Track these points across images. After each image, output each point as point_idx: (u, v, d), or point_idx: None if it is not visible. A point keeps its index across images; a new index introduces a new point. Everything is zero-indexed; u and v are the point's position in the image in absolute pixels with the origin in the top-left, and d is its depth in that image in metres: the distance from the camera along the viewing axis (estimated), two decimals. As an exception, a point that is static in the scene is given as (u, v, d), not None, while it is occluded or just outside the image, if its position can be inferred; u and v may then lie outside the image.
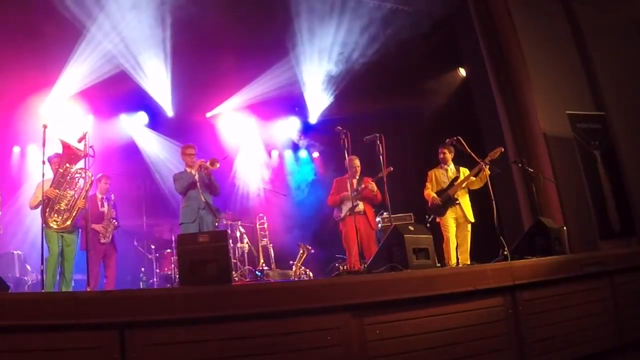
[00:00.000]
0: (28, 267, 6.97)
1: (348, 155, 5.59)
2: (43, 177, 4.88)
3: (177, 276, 5.01)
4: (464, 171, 6.29)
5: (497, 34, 7.79)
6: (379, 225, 7.08)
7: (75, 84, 7.83)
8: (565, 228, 5.65)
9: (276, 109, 9.73)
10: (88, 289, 4.73)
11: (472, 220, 6.17)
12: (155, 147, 8.85)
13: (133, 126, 8.83)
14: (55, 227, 5.16)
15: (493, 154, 5.92)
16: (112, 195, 6.50)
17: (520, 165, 6.37)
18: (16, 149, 8.10)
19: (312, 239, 8.16)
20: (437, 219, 6.30)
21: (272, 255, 7.60)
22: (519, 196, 7.31)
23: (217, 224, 6.07)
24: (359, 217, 6.18)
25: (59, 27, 7.04)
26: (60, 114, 7.88)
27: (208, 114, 9.47)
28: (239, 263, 7.33)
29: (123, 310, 2.84)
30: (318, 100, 9.62)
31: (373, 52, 8.69)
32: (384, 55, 8.66)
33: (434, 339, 3.49)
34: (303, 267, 6.81)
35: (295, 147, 10.42)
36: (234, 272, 6.44)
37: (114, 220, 6.35)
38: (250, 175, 9.43)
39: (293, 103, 9.69)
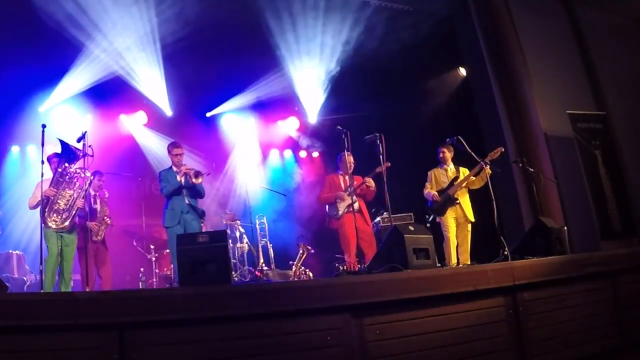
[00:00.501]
0: (27, 267, 6.96)
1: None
2: (42, 176, 4.89)
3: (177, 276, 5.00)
4: (464, 171, 6.28)
5: (498, 33, 7.78)
6: (380, 224, 7.06)
7: (74, 88, 7.88)
8: (565, 228, 5.61)
9: (276, 109, 9.73)
10: (87, 289, 4.72)
11: (473, 220, 6.16)
12: (155, 147, 8.84)
13: (132, 126, 8.82)
14: (54, 227, 5.15)
15: (493, 154, 5.92)
16: (106, 193, 6.45)
17: (520, 165, 6.35)
18: (15, 149, 8.08)
19: (312, 239, 8.15)
20: (437, 219, 6.29)
21: (272, 256, 7.58)
22: (519, 196, 7.30)
23: (202, 224, 6.06)
24: (357, 214, 6.14)
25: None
26: (59, 114, 7.89)
27: (208, 114, 9.47)
28: (238, 263, 7.32)
29: (122, 311, 2.83)
30: (318, 100, 9.62)
31: (373, 51, 8.67)
32: (384, 55, 8.64)
33: (434, 340, 3.47)
34: (303, 268, 6.80)
35: (295, 147, 10.41)
36: (233, 272, 6.43)
37: (107, 218, 6.28)
38: (250, 175, 9.42)
39: (293, 103, 9.68)
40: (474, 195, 6.36)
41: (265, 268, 7.12)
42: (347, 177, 6.20)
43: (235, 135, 9.79)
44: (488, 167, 5.75)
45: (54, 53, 7.35)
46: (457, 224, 6.17)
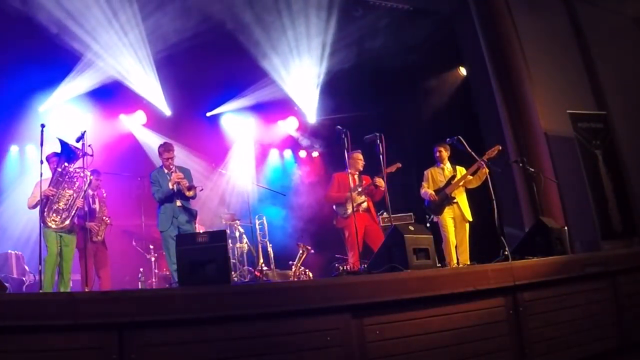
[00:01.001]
0: (26, 267, 6.94)
1: (348, 155, 5.53)
2: (41, 176, 4.88)
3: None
4: (461, 170, 6.26)
5: (498, 32, 7.77)
6: (380, 224, 7.04)
7: (73, 92, 7.91)
8: (566, 228, 5.62)
9: (276, 108, 9.71)
10: (86, 289, 4.71)
11: (470, 219, 6.14)
12: (155, 147, 8.81)
13: (131, 125, 8.81)
14: (53, 226, 5.13)
15: (491, 152, 5.92)
16: (104, 192, 6.42)
17: (521, 164, 6.34)
18: (14, 148, 8.07)
19: (312, 239, 8.14)
20: (435, 219, 6.27)
21: (272, 256, 7.57)
22: (519, 196, 7.29)
23: (194, 225, 5.99)
24: (365, 215, 6.12)
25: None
26: (59, 114, 7.87)
27: (208, 114, 9.46)
28: (238, 263, 7.30)
29: (122, 311, 2.82)
30: (318, 100, 9.60)
31: (373, 51, 8.67)
32: (384, 55, 8.64)
33: (434, 340, 3.47)
34: (302, 268, 6.78)
35: (295, 147, 10.40)
36: (233, 273, 6.42)
37: (106, 218, 6.25)
38: (249, 174, 9.41)
39: (293, 103, 9.66)
40: (475, 195, 6.35)
41: (264, 268, 7.10)
42: (356, 176, 6.13)
43: (235, 134, 9.77)
44: (485, 165, 5.74)
45: (54, 54, 7.35)
46: (455, 224, 6.15)
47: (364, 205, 6.17)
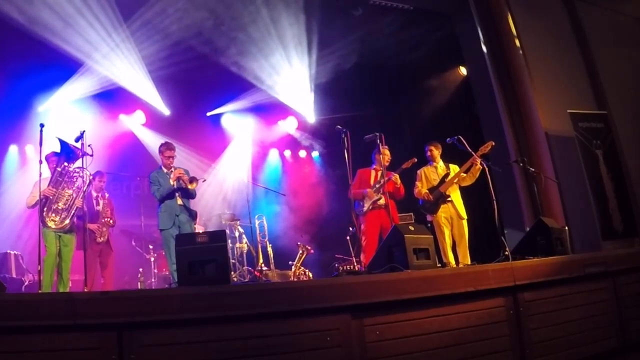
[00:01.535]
0: (25, 267, 6.92)
1: (348, 155, 5.47)
2: (40, 176, 4.86)
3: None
4: (454, 168, 6.25)
5: (499, 32, 7.77)
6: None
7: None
8: (567, 228, 5.61)
9: (276, 108, 9.71)
10: (86, 290, 4.69)
11: (465, 216, 6.12)
12: (154, 146, 8.80)
13: (131, 125, 8.80)
14: (53, 226, 5.11)
15: (484, 148, 5.91)
16: (107, 194, 6.42)
17: (521, 164, 6.33)
18: (13, 148, 8.06)
19: (312, 239, 8.12)
20: (429, 218, 6.24)
21: (271, 256, 7.56)
22: (520, 196, 7.29)
23: (194, 226, 5.98)
24: (382, 211, 6.00)
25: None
26: (58, 113, 7.87)
27: (208, 113, 9.45)
28: (237, 263, 7.29)
29: (121, 311, 2.81)
30: (317, 100, 9.59)
31: (373, 51, 8.66)
32: (384, 54, 8.64)
33: (434, 340, 3.46)
34: (302, 268, 6.77)
35: (295, 147, 10.39)
36: (232, 273, 6.41)
37: (109, 219, 6.24)
38: (249, 174, 9.40)
39: (292, 103, 9.65)
40: (475, 195, 6.34)
41: (264, 268, 7.10)
42: (379, 173, 6.03)
43: (234, 134, 9.76)
44: (481, 163, 5.72)
45: (54, 55, 7.35)
46: (451, 223, 6.12)
47: (381, 201, 6.04)
